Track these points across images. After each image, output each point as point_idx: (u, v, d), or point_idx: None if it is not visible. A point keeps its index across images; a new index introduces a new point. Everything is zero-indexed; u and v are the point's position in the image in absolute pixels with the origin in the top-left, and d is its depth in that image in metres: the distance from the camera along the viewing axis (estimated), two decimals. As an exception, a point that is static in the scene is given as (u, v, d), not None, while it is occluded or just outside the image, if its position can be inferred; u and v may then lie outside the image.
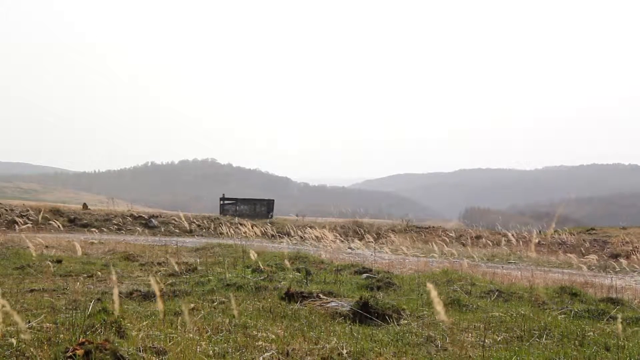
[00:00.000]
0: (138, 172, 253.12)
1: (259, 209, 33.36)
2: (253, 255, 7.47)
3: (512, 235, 17.12)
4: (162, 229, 23.54)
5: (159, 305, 2.87)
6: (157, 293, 2.83)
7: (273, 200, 35.49)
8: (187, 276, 8.97)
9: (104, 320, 4.51)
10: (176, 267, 8.19)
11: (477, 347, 4.76)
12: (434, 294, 2.43)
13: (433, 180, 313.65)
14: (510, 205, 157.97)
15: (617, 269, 14.89)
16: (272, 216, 32.45)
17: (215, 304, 6.38)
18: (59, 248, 12.96)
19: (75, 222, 24.35)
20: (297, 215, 33.43)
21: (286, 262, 7.48)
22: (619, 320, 3.07)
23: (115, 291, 2.75)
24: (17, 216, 22.33)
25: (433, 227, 29.03)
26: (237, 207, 33.40)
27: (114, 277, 2.94)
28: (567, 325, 5.75)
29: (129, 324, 4.71)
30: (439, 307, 2.39)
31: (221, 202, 33.86)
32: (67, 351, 3.63)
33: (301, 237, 16.25)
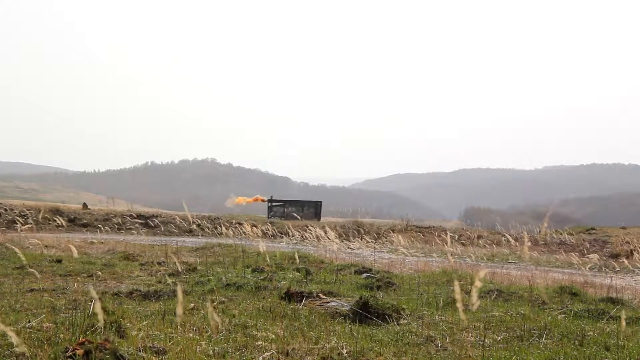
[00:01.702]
0: (138, 172, 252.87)
1: (306, 210, 33.17)
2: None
3: (512, 235, 17.12)
4: (162, 229, 23.53)
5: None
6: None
7: (321, 202, 35.20)
8: (187, 276, 8.97)
9: (104, 320, 4.50)
10: (179, 267, 8.19)
11: (477, 346, 4.76)
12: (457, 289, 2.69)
13: (433, 180, 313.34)
14: (510, 205, 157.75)
15: (617, 269, 14.90)
16: (320, 218, 32.36)
17: (215, 303, 6.38)
18: (58, 248, 12.95)
19: (75, 221, 24.35)
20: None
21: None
22: (623, 316, 3.06)
23: (97, 301, 2.77)
24: (17, 216, 22.32)
25: (433, 227, 29.06)
26: (285, 209, 33.30)
27: (93, 293, 2.93)
28: (567, 325, 5.75)
29: (128, 324, 4.71)
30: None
31: (269, 204, 33.72)
32: (67, 351, 3.63)
33: (301, 237, 16.26)
